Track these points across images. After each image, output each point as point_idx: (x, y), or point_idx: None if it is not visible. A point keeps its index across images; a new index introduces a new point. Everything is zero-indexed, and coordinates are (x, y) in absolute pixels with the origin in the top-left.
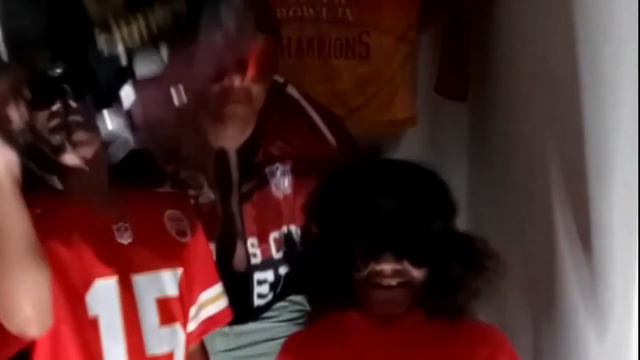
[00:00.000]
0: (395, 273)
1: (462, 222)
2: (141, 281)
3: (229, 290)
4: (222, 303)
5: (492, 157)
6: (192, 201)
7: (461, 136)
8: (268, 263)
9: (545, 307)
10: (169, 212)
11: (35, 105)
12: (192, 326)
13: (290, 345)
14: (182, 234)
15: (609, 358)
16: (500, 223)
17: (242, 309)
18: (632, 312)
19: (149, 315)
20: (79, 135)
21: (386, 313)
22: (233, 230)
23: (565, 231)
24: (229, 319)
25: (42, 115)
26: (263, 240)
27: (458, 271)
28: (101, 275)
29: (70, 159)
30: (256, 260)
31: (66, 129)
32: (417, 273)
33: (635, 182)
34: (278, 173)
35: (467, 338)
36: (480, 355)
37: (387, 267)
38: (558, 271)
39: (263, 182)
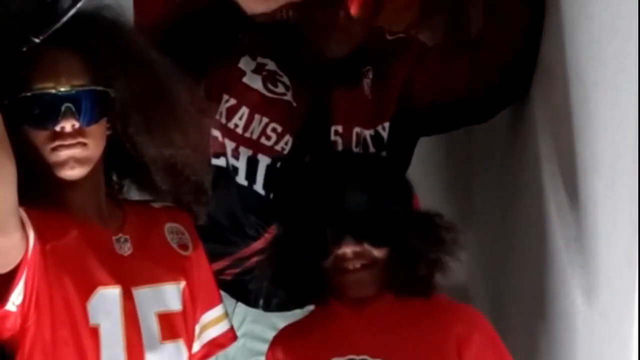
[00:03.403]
0: (357, 255)
1: (461, 219)
2: (142, 294)
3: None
4: (226, 325)
5: (492, 155)
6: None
7: (461, 134)
8: None
9: (539, 298)
10: (169, 225)
11: (37, 124)
12: (195, 347)
13: (279, 339)
14: (184, 247)
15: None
16: (500, 216)
17: None
18: (632, 305)
19: (151, 329)
20: (80, 153)
21: (357, 295)
22: (321, 113)
23: (563, 230)
24: (233, 341)
25: (43, 134)
26: (347, 130)
27: (416, 246)
28: (103, 284)
29: (70, 174)
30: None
31: (67, 147)
32: (378, 253)
33: (636, 182)
34: (370, 75)
35: (442, 316)
36: (456, 332)
37: (347, 250)
38: (555, 267)
39: (356, 78)
